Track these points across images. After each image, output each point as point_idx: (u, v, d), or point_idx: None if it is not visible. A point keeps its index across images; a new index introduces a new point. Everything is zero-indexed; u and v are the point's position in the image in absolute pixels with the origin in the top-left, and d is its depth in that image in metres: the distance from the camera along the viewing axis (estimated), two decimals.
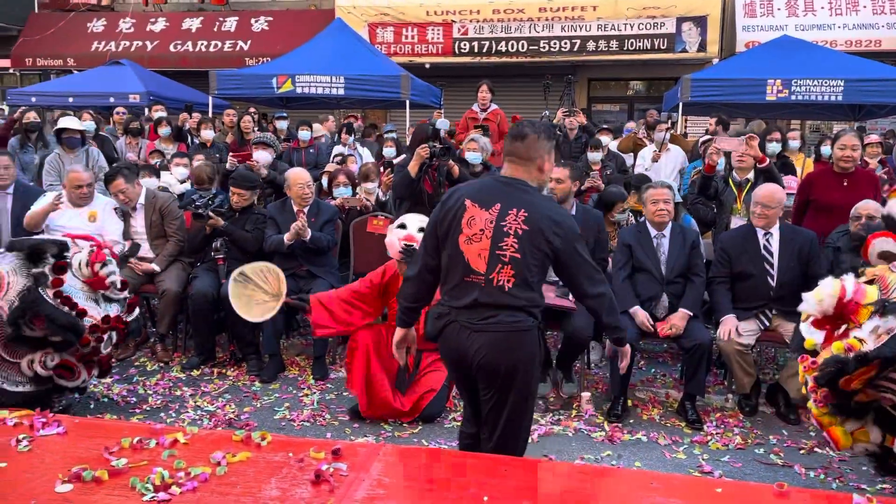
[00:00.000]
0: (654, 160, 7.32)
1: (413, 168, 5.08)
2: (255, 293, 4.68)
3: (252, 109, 9.38)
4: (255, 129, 8.42)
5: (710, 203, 5.45)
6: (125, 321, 4.14)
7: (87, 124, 7.29)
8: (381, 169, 6.48)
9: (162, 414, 4.32)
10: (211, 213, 5.13)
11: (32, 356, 3.72)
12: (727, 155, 5.60)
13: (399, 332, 2.93)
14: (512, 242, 2.59)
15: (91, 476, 2.04)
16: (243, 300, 4.64)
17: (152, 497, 1.95)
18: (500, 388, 2.66)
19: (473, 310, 2.62)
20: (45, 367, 3.72)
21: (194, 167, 6.40)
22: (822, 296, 2.99)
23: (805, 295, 3.09)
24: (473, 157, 5.63)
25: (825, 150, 7.50)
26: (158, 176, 6.42)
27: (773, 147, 6.51)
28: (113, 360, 4.29)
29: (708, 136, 7.28)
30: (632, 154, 7.98)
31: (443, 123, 5.32)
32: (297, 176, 5.26)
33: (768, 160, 5.20)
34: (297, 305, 4.71)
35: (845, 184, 4.99)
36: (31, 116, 7.61)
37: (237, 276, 4.65)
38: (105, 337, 3.93)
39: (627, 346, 2.98)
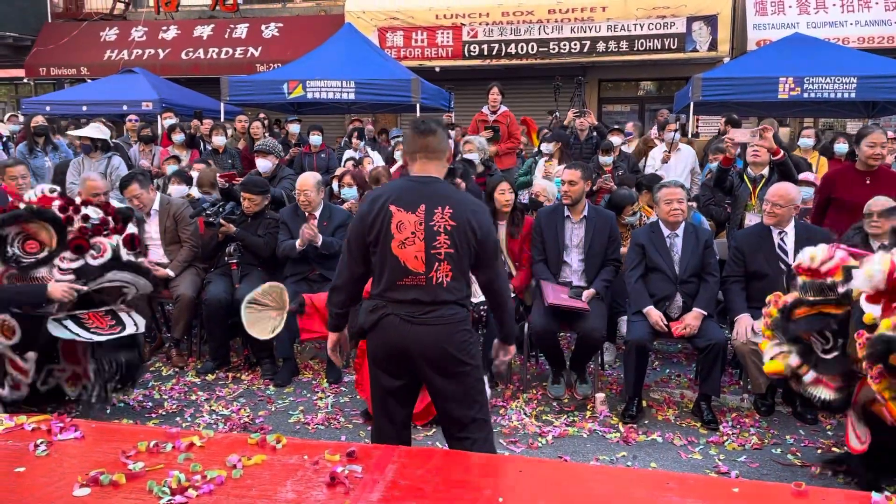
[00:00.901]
0: (664, 161, 7.30)
1: None
2: (265, 311, 4.77)
3: (262, 115, 9.42)
4: (266, 133, 8.47)
5: (725, 201, 5.42)
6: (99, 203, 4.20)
7: (105, 131, 7.35)
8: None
9: (178, 418, 4.34)
10: (222, 221, 5.17)
11: (50, 267, 3.82)
12: (742, 150, 5.56)
13: (332, 337, 3.02)
14: (444, 240, 2.70)
15: (108, 480, 2.06)
16: (257, 324, 4.74)
17: (169, 500, 1.97)
18: (452, 381, 2.75)
19: (413, 305, 2.71)
20: (67, 259, 3.83)
21: (200, 172, 6.46)
22: (871, 272, 2.95)
23: (856, 272, 3.09)
24: (471, 157, 5.73)
25: (839, 147, 7.46)
26: (189, 184, 6.43)
27: None
28: (128, 233, 4.25)
29: (721, 139, 7.26)
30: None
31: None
32: (301, 182, 5.28)
33: (783, 153, 5.16)
34: (295, 310, 4.71)
35: (868, 181, 4.92)
36: (38, 121, 7.69)
37: (248, 303, 4.73)
38: (87, 212, 3.95)
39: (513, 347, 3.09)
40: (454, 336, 2.75)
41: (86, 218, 3.93)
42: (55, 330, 3.81)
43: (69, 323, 3.85)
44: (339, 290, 2.92)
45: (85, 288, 3.87)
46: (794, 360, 3.18)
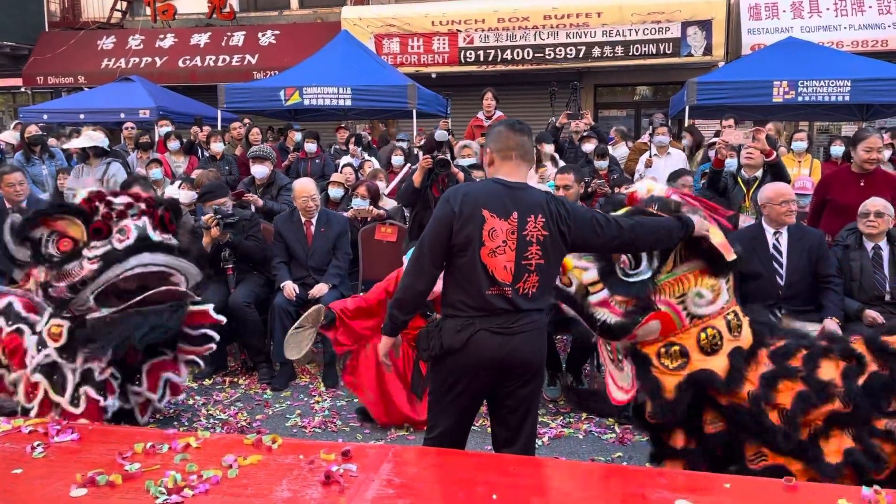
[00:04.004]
0: (647, 165, 7.32)
1: (417, 178, 5.16)
2: (304, 332, 4.51)
3: (246, 120, 9.43)
4: (268, 140, 8.51)
5: (720, 201, 5.46)
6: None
7: (102, 139, 7.36)
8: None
9: (175, 423, 4.36)
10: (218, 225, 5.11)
11: (80, 260, 3.61)
12: (737, 153, 5.60)
13: (388, 341, 2.83)
14: (536, 251, 2.60)
15: (105, 480, 2.08)
16: (293, 347, 4.48)
17: (165, 500, 1.99)
18: (532, 385, 2.71)
19: (501, 316, 2.61)
20: (94, 248, 3.60)
21: (198, 175, 6.49)
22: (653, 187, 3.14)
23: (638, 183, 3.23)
24: (467, 162, 5.75)
25: (835, 149, 7.50)
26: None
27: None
28: (159, 210, 3.89)
29: (714, 140, 7.30)
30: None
31: (440, 135, 5.39)
32: (302, 188, 5.28)
33: (775, 154, 5.20)
34: (325, 326, 4.46)
35: (862, 184, 4.95)
36: (32, 130, 7.74)
37: (293, 330, 4.47)
38: (112, 200, 3.72)
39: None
40: (544, 342, 2.74)
41: (109, 203, 3.70)
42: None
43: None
44: (411, 295, 2.71)
45: None
46: (590, 276, 2.96)
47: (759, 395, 2.78)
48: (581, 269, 2.97)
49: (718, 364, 2.84)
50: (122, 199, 3.78)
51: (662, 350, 2.88)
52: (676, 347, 2.88)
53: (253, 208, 6.47)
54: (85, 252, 3.63)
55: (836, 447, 2.71)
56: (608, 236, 2.69)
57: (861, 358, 2.85)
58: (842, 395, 2.74)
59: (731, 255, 2.89)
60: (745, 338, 2.94)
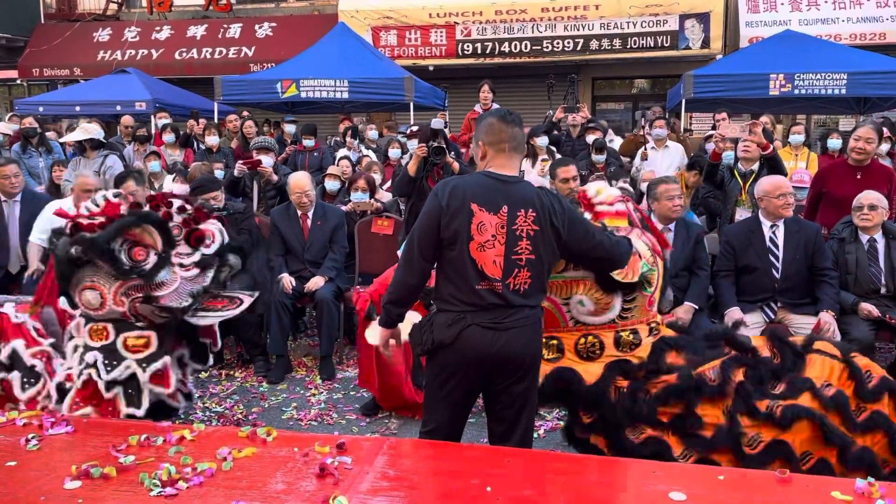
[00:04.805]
0: (643, 158, 7.31)
1: (412, 167, 5.14)
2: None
3: (245, 113, 9.41)
4: (264, 133, 8.49)
5: (717, 193, 5.48)
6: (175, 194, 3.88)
7: (98, 132, 7.33)
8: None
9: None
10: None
11: (169, 268, 3.44)
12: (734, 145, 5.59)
13: (385, 332, 2.78)
14: (526, 245, 2.55)
15: (99, 473, 2.08)
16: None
17: (160, 492, 1.99)
18: (526, 381, 2.67)
19: (492, 311, 2.57)
20: (184, 255, 3.49)
21: (191, 168, 6.49)
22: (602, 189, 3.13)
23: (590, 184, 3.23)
24: None
25: (832, 143, 7.50)
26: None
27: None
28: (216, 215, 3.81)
29: (711, 133, 7.29)
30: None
31: (436, 122, 5.37)
32: (296, 183, 5.26)
33: (772, 147, 5.20)
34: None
35: (859, 176, 4.95)
36: (28, 122, 7.71)
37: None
38: (176, 204, 3.58)
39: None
40: (538, 338, 2.69)
41: (181, 209, 3.58)
42: (198, 320, 3.54)
43: (203, 313, 3.56)
44: (403, 289, 2.68)
45: None
46: None
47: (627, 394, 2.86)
48: None
49: (592, 370, 2.90)
50: (188, 204, 3.65)
51: (544, 340, 2.92)
52: (555, 342, 2.98)
53: (255, 198, 6.45)
54: (175, 260, 3.48)
55: (712, 419, 2.80)
56: (595, 243, 2.69)
57: (755, 350, 2.98)
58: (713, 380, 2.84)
59: (627, 278, 2.87)
60: (639, 356, 2.94)
